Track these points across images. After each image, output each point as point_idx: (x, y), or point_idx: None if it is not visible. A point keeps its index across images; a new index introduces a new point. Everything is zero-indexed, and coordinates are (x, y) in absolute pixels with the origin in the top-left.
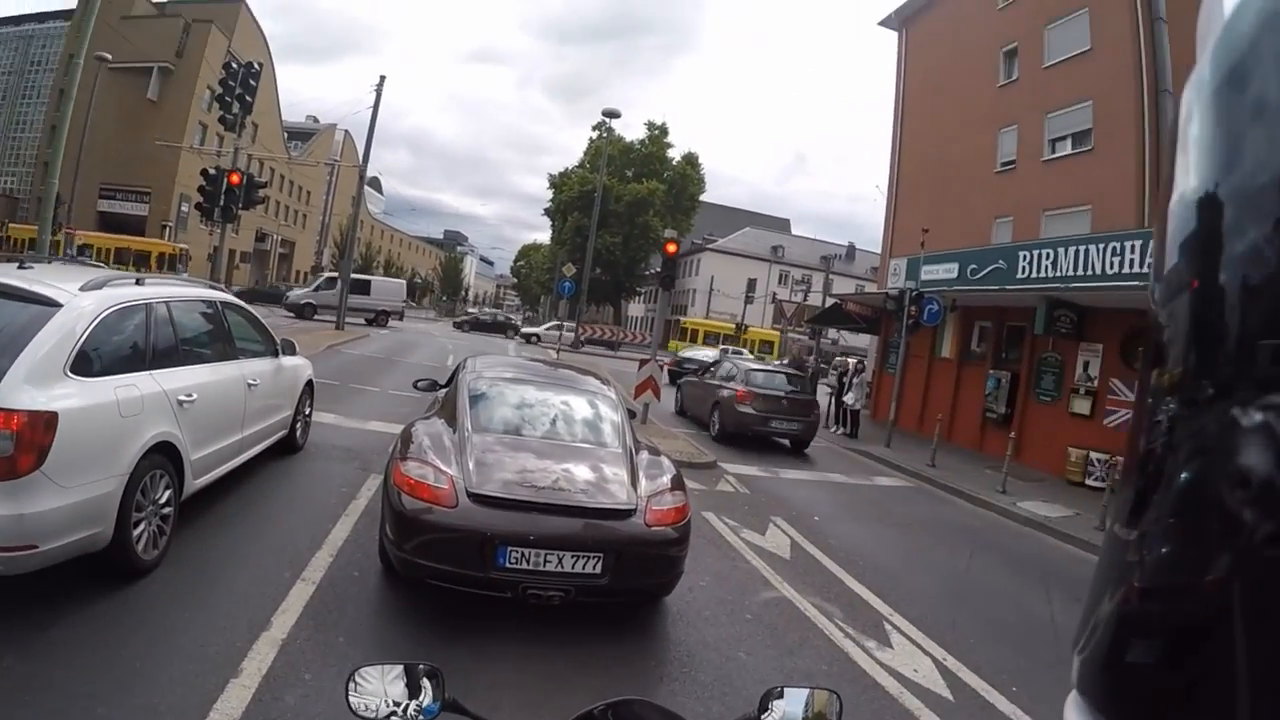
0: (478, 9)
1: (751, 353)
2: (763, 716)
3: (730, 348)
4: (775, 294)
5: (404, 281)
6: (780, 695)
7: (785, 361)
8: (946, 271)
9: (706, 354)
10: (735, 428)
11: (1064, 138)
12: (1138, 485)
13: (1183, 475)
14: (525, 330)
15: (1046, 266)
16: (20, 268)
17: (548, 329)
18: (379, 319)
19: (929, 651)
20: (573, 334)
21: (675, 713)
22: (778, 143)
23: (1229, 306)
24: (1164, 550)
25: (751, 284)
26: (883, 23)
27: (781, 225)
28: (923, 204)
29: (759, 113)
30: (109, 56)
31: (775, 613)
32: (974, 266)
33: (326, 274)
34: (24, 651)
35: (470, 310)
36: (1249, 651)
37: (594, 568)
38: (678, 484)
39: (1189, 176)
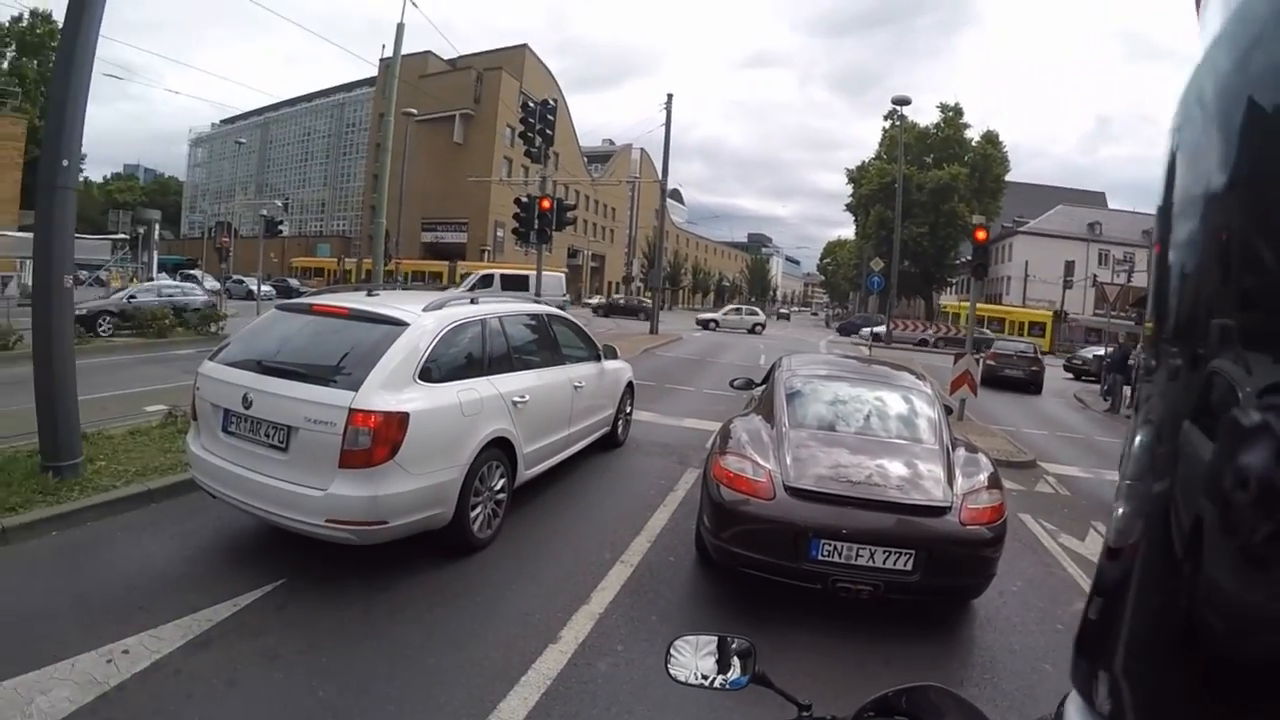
0: (745, 16)
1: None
2: None
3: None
4: (1095, 275)
5: (563, 274)
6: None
7: (1109, 351)
8: None
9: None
10: None
11: None
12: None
13: (1138, 433)
14: (702, 317)
15: None
16: (369, 295)
17: (725, 313)
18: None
19: None
20: (878, 331)
21: (972, 704)
22: (1076, 109)
23: (1170, 275)
24: (1120, 509)
25: (1069, 266)
26: None
27: (1096, 200)
28: None
29: (1051, 79)
30: (415, 111)
31: None
32: None
33: (480, 274)
34: (366, 606)
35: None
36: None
37: (905, 564)
38: (995, 482)
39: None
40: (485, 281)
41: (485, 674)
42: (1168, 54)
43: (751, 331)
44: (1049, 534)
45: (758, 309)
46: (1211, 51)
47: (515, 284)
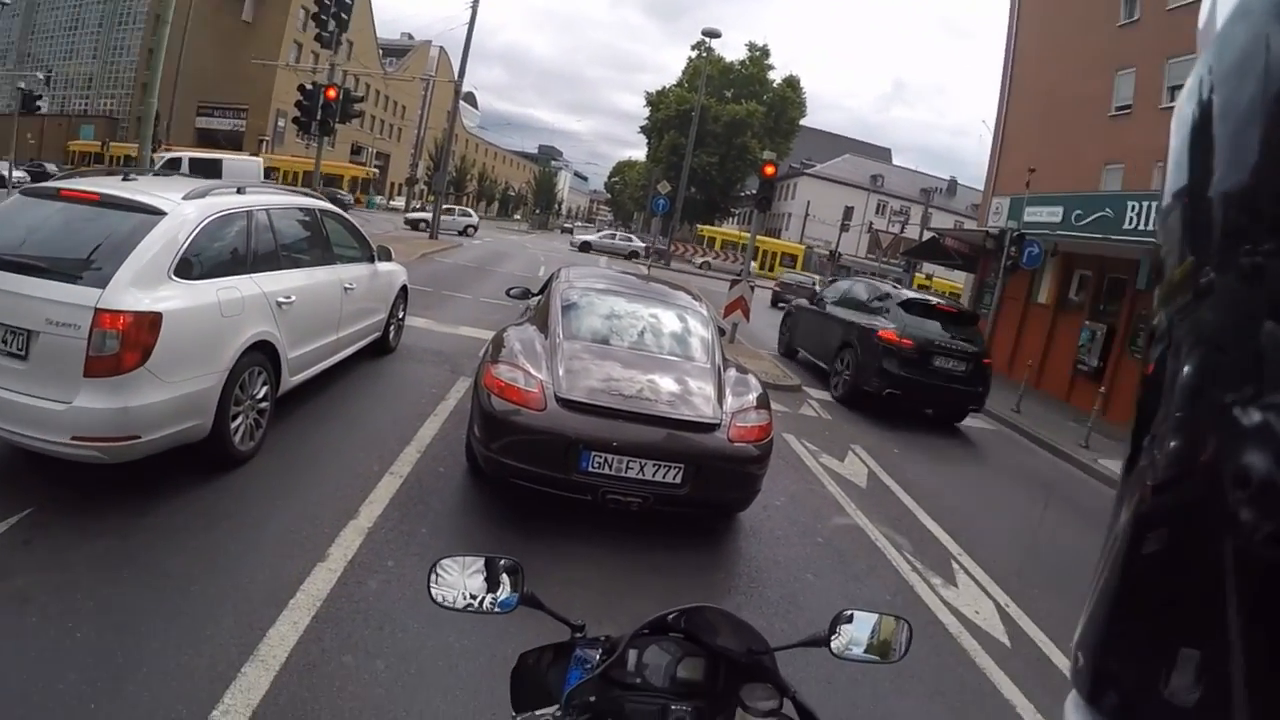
0: None
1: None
2: (832, 638)
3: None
4: (872, 224)
5: (260, 160)
6: (850, 620)
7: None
8: (1050, 214)
9: (806, 277)
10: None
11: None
12: (1139, 400)
13: (1185, 364)
14: (580, 238)
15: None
16: (125, 179)
17: (601, 237)
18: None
19: (993, 595)
20: (649, 248)
21: (746, 623)
22: (877, 70)
23: (1212, 205)
24: (1172, 442)
25: (848, 212)
26: None
27: (883, 155)
28: (1031, 143)
29: (858, 37)
30: None
31: (846, 539)
32: (1079, 212)
33: (167, 156)
34: (122, 534)
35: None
36: (1242, 634)
37: (674, 478)
38: (763, 403)
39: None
40: (172, 165)
41: (252, 599)
42: (970, 35)
43: (629, 258)
44: (811, 454)
45: (632, 235)
46: None
47: (206, 169)
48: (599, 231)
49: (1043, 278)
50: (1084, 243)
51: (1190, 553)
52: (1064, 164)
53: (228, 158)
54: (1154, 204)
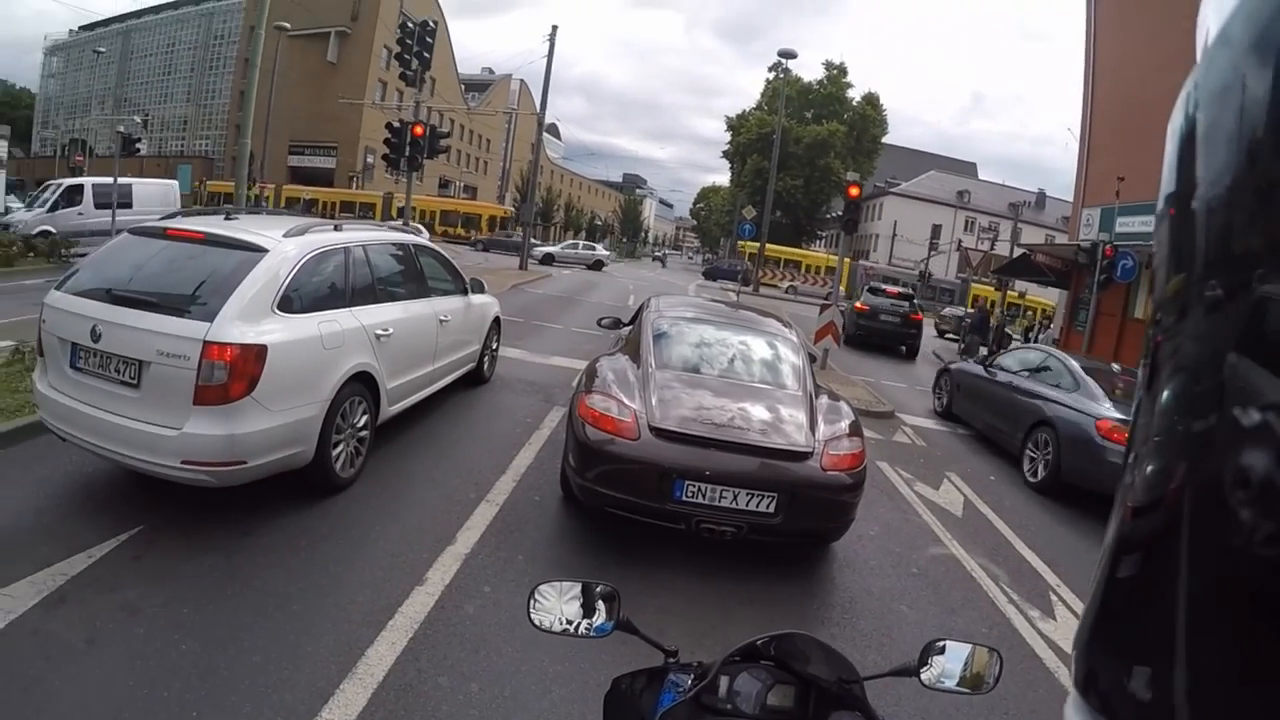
0: None
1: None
2: (922, 669)
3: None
4: (961, 241)
5: (174, 183)
6: (941, 650)
7: (969, 312)
8: (1143, 224)
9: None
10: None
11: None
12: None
13: (1165, 388)
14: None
15: None
16: (227, 219)
17: (564, 248)
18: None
19: None
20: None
21: (837, 651)
22: (954, 83)
23: (1194, 224)
24: (1149, 465)
25: (936, 230)
26: None
27: (968, 169)
28: (1119, 149)
29: (934, 51)
30: (288, 25)
31: (941, 570)
32: None
33: (65, 184)
34: (227, 553)
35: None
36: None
37: (767, 507)
38: (856, 430)
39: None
40: (71, 194)
41: (352, 619)
42: (1046, 38)
43: (592, 268)
44: (905, 482)
45: (595, 245)
46: None
47: (107, 195)
48: (561, 245)
49: (1139, 291)
50: None
51: (1164, 578)
52: (1155, 169)
53: (138, 181)
54: None
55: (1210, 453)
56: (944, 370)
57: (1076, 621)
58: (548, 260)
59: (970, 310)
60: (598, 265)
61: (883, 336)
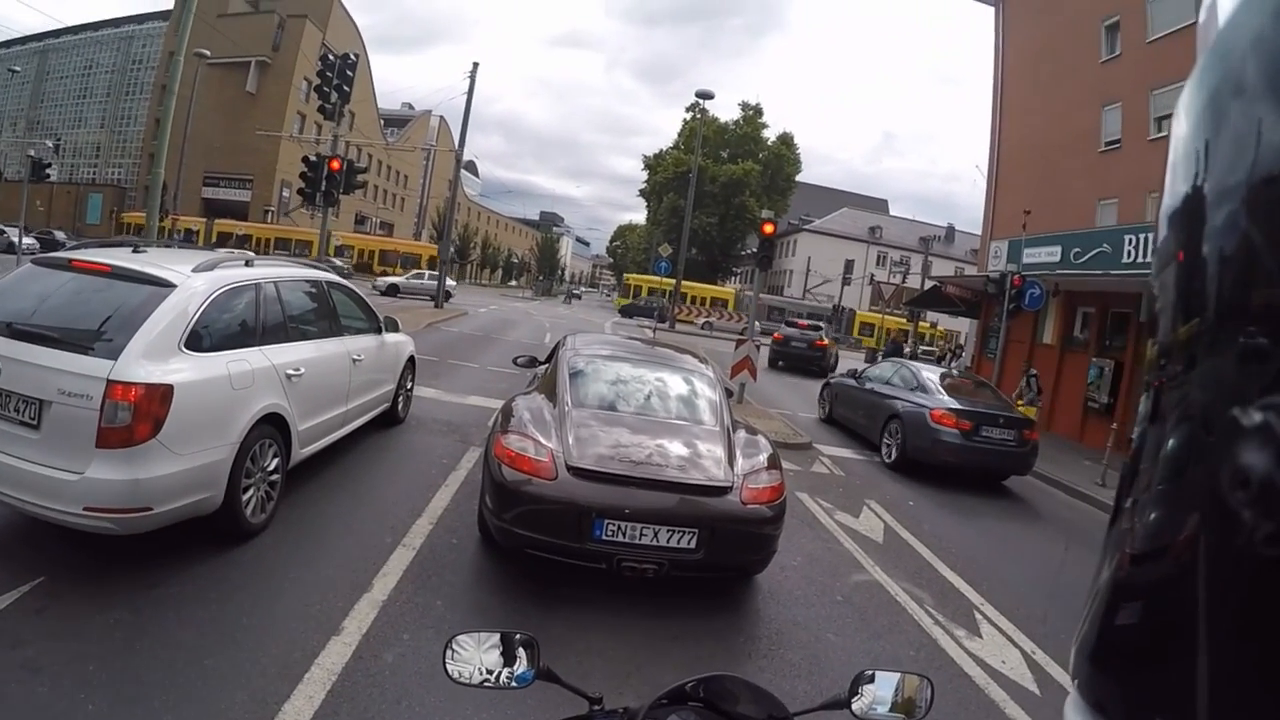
0: None
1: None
2: (853, 699)
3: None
4: (873, 275)
5: None
6: (871, 679)
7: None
8: (1049, 255)
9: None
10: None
11: (1171, 116)
12: (1129, 459)
13: (1170, 436)
14: (382, 281)
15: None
16: (135, 251)
17: (409, 278)
18: None
19: (1018, 644)
20: (664, 315)
21: (765, 689)
22: (866, 122)
23: (1203, 280)
24: (1149, 522)
25: (849, 265)
26: None
27: (879, 206)
28: (1024, 185)
29: (847, 92)
30: (208, 53)
31: (866, 596)
32: (1077, 250)
33: None
34: (134, 606)
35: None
36: (1222, 639)
37: (689, 543)
38: (774, 463)
39: (1178, 175)
40: None
41: (267, 673)
42: (956, 81)
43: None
44: (826, 511)
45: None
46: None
47: None
48: (408, 275)
49: (1046, 318)
50: (1084, 280)
51: (1164, 619)
52: (1059, 203)
53: None
54: (1150, 236)
55: (1221, 509)
56: (826, 384)
57: (1002, 639)
58: (392, 291)
59: (884, 341)
60: (447, 297)
61: (795, 359)
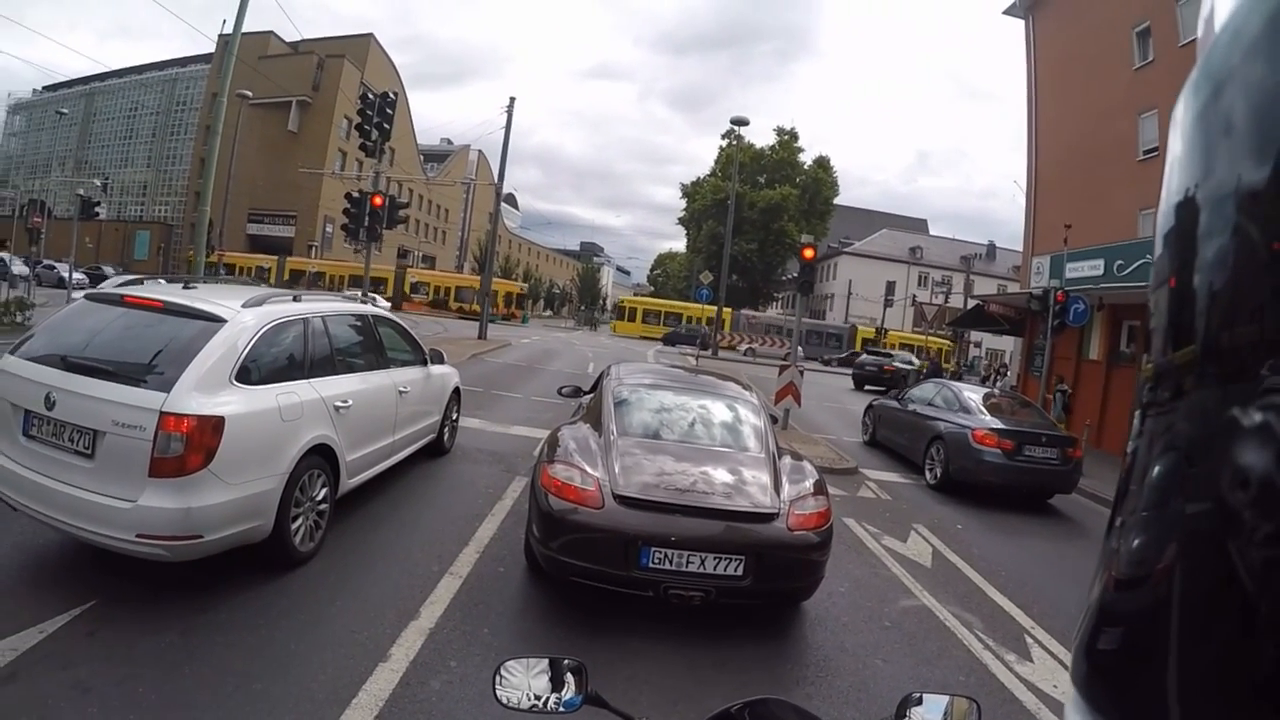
0: (592, 28)
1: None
2: None
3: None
4: (915, 296)
5: None
6: (919, 702)
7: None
8: (1092, 268)
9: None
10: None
11: None
12: (1122, 473)
13: (1155, 464)
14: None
15: None
16: (186, 288)
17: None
18: None
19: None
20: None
21: (812, 713)
22: (899, 142)
23: (1195, 303)
24: (1135, 540)
25: (890, 286)
26: (1007, 11)
27: (919, 226)
28: (1064, 198)
29: (878, 112)
30: (250, 94)
31: (914, 621)
32: (1120, 262)
33: None
34: (184, 630)
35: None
36: (1192, 677)
37: (735, 569)
38: (820, 489)
39: (1175, 178)
40: None
41: (314, 698)
42: (987, 96)
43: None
44: (872, 536)
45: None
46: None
47: None
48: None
49: (1092, 333)
50: (1129, 293)
51: (1149, 641)
52: (1100, 215)
53: None
54: None
55: (1202, 540)
56: (869, 407)
57: (1054, 663)
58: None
59: (922, 363)
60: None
61: (870, 379)
